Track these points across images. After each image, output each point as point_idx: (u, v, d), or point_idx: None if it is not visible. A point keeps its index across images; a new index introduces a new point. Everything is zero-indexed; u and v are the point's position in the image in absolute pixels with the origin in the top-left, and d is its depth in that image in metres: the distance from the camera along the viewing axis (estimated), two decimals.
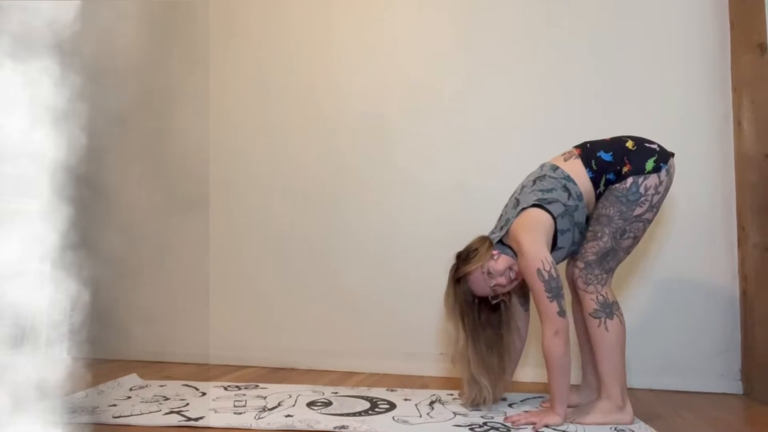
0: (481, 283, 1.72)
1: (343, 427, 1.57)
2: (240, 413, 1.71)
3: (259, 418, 1.65)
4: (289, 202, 2.65)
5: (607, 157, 1.69)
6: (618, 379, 1.66)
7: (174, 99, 2.79)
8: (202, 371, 2.42)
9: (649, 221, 1.69)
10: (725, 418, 1.81)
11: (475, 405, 1.80)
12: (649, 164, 1.64)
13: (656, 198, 1.66)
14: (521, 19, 2.45)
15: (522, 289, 1.86)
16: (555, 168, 1.74)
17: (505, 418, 1.67)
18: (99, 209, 2.58)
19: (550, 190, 1.69)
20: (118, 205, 2.72)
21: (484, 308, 1.77)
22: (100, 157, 2.67)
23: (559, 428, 1.60)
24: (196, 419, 1.64)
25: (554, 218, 1.66)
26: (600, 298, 1.68)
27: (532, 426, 1.60)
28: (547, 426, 1.60)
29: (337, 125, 2.61)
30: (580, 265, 1.71)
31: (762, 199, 2.05)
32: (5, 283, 0.97)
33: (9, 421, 0.95)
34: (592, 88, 2.36)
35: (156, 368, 2.45)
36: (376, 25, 2.61)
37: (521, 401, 1.93)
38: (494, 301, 1.76)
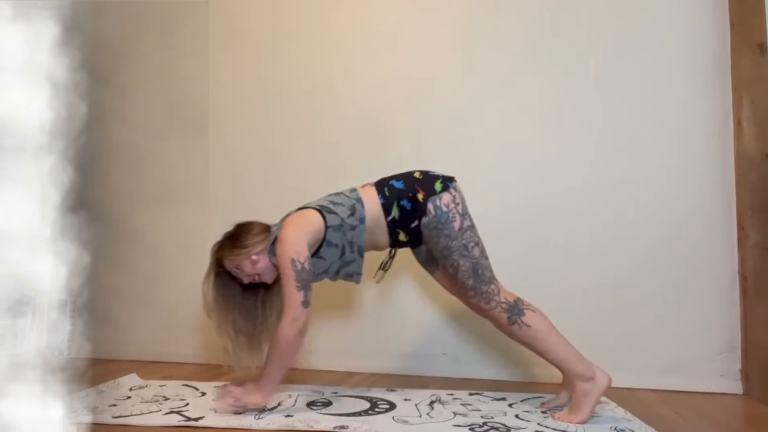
0: (230, 269, 1.82)
1: (343, 427, 1.57)
2: (240, 413, 1.71)
3: (259, 418, 1.65)
4: (288, 202, 2.63)
5: (398, 185, 1.81)
6: (570, 357, 1.69)
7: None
8: (202, 371, 2.42)
9: (472, 225, 1.79)
10: (725, 418, 1.81)
11: (229, 365, 1.86)
12: (438, 186, 1.78)
13: (460, 207, 1.77)
14: (521, 19, 2.45)
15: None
16: (353, 190, 1.87)
17: (214, 399, 1.74)
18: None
19: (336, 204, 1.79)
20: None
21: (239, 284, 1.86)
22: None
23: (559, 428, 1.60)
24: (196, 419, 1.64)
25: (326, 227, 1.74)
26: (504, 305, 1.74)
27: (233, 399, 1.66)
28: (246, 406, 1.67)
29: (337, 125, 2.61)
30: (470, 293, 1.78)
31: (762, 199, 2.05)
32: (6, 249, 0.97)
33: (8, 389, 0.95)
34: (592, 87, 2.36)
35: (156, 368, 2.45)
36: (376, 25, 2.61)
37: (521, 401, 1.93)
38: (246, 281, 1.83)
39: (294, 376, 2.34)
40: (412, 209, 1.77)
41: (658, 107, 2.31)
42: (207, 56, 2.77)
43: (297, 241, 1.68)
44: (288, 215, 1.81)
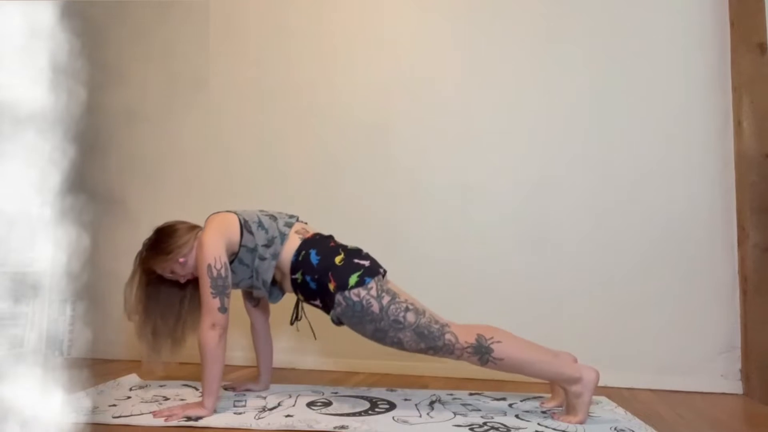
0: (159, 269, 1.82)
1: (343, 427, 1.57)
2: (240, 413, 1.70)
3: (259, 418, 1.65)
4: (288, 201, 2.64)
5: (315, 259, 1.73)
6: (551, 369, 1.64)
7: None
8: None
9: (394, 295, 1.67)
10: (725, 418, 1.81)
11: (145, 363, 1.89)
12: (353, 279, 1.66)
13: (373, 290, 1.66)
14: (521, 18, 2.45)
15: (249, 293, 1.97)
16: (288, 224, 1.83)
17: (153, 413, 1.67)
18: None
19: (261, 226, 1.78)
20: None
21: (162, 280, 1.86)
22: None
23: (559, 428, 1.60)
24: (196, 419, 1.64)
25: (241, 238, 1.74)
26: (469, 350, 1.63)
27: (168, 417, 1.61)
28: (189, 418, 1.61)
29: (337, 126, 2.61)
30: (430, 354, 1.68)
31: (762, 199, 2.05)
32: (7, 229, 0.97)
33: (9, 372, 0.95)
34: (592, 87, 2.37)
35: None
36: (376, 25, 2.61)
37: (521, 401, 1.93)
38: (170, 277, 1.84)
39: (294, 376, 2.34)
40: (317, 290, 1.72)
41: (658, 107, 2.31)
42: (207, 57, 2.77)
43: (215, 246, 1.68)
44: (212, 214, 1.82)
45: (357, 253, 1.77)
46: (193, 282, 1.88)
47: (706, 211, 2.23)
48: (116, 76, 2.82)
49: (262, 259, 1.76)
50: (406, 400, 1.92)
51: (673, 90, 2.30)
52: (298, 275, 1.75)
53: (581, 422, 1.63)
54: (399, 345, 1.69)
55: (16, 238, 0.99)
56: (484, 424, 1.64)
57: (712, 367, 2.18)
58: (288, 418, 1.66)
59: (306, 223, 1.92)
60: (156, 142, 2.80)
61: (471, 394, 2.02)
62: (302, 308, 1.99)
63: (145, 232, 1.87)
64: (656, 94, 2.31)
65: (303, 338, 2.57)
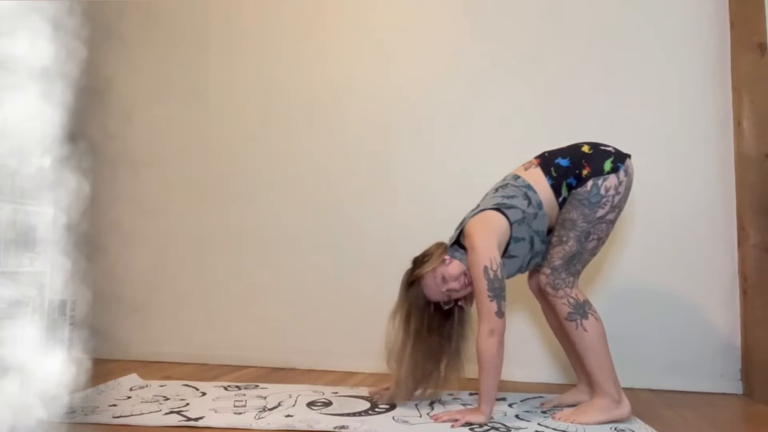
0: (433, 288, 1.73)
1: (343, 427, 1.57)
2: (240, 413, 1.71)
3: (259, 418, 1.65)
4: (289, 202, 2.65)
5: (564, 162, 1.72)
6: (609, 375, 1.67)
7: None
8: (202, 371, 2.41)
9: (612, 222, 1.71)
10: (725, 418, 1.81)
11: (390, 401, 1.83)
12: (607, 165, 1.68)
13: (617, 198, 1.68)
14: (522, 19, 2.45)
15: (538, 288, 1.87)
16: (516, 177, 1.78)
17: (432, 416, 1.68)
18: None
19: (510, 197, 1.71)
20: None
21: (436, 314, 1.78)
22: None
23: (559, 428, 1.60)
24: (196, 419, 1.64)
25: (510, 223, 1.67)
26: (571, 300, 1.69)
27: (453, 422, 1.60)
28: (470, 424, 1.60)
29: (338, 126, 2.61)
30: (547, 271, 1.72)
31: (762, 199, 2.05)
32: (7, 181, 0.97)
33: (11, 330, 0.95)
34: (592, 88, 2.36)
35: (156, 368, 2.45)
36: (376, 25, 2.61)
37: (521, 401, 1.93)
38: (446, 307, 1.77)
39: (294, 376, 2.34)
40: (575, 185, 1.69)
41: (658, 107, 2.31)
42: (207, 58, 2.77)
43: (488, 247, 1.62)
44: (465, 221, 1.74)
45: (597, 143, 1.76)
46: (450, 316, 1.80)
47: (706, 211, 2.23)
48: (116, 38, 2.80)
49: (535, 216, 1.70)
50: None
51: (673, 90, 2.30)
52: (563, 191, 1.71)
53: (583, 423, 1.63)
54: (558, 241, 1.70)
55: (18, 187, 0.99)
56: (485, 423, 1.64)
57: (712, 367, 2.18)
58: (288, 418, 1.66)
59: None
60: (158, 156, 2.79)
61: (471, 394, 2.02)
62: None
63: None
64: (656, 94, 2.31)
65: (303, 338, 2.57)
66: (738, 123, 2.17)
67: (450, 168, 2.48)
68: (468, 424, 1.60)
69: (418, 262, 1.78)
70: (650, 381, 2.19)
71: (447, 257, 1.73)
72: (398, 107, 2.55)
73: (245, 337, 2.63)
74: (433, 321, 1.78)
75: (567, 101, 2.38)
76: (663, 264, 2.25)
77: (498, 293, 1.60)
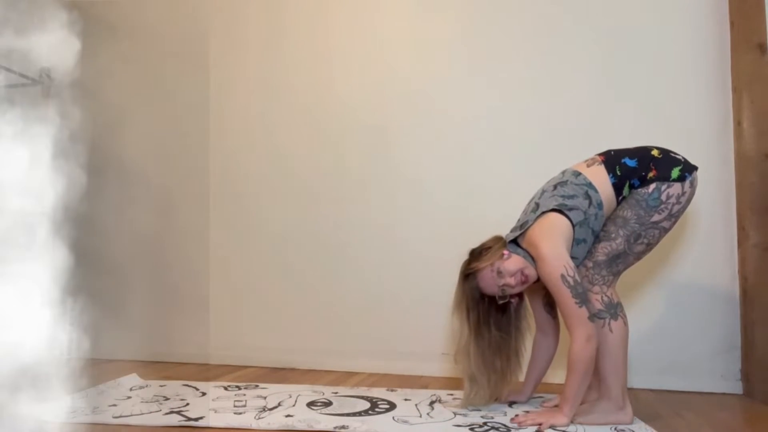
0: (489, 282, 1.70)
1: (343, 427, 1.57)
2: (240, 413, 1.71)
3: (259, 418, 1.65)
4: (289, 202, 2.65)
5: (632, 163, 1.67)
6: (619, 380, 1.66)
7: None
8: (202, 371, 2.42)
9: (666, 230, 1.68)
10: (725, 418, 1.81)
11: (471, 404, 1.80)
12: (675, 172, 1.63)
13: (676, 208, 1.64)
14: (522, 20, 2.45)
15: (547, 296, 1.83)
16: (577, 174, 1.71)
17: (512, 419, 1.67)
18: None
19: (571, 197, 1.66)
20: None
21: (492, 308, 1.75)
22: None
23: (559, 428, 1.60)
24: (196, 419, 1.64)
25: (573, 225, 1.63)
26: (605, 298, 1.66)
27: (538, 426, 1.59)
28: (553, 427, 1.59)
29: (338, 126, 2.61)
30: (588, 264, 1.68)
31: (762, 199, 2.05)
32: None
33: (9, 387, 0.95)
34: (592, 88, 2.36)
35: (156, 368, 2.45)
36: (376, 25, 2.61)
37: (523, 401, 1.93)
38: (501, 302, 1.73)
39: (294, 376, 2.34)
40: (638, 185, 1.66)
41: (657, 107, 2.30)
42: (207, 59, 2.77)
43: (560, 254, 1.58)
44: (527, 223, 1.69)
45: (666, 149, 1.72)
46: (509, 310, 1.78)
47: (706, 211, 2.23)
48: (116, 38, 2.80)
49: (595, 217, 1.66)
50: (406, 400, 1.93)
51: (673, 90, 2.30)
52: (624, 190, 1.67)
53: (583, 423, 1.63)
54: (605, 236, 1.67)
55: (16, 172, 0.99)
56: (484, 424, 1.64)
57: (712, 367, 2.18)
58: (288, 418, 1.67)
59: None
60: (160, 161, 2.79)
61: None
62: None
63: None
64: (656, 94, 2.31)
65: (303, 338, 2.57)
66: (738, 123, 2.17)
67: (450, 168, 2.48)
68: (552, 426, 1.59)
69: (476, 254, 1.75)
70: (650, 381, 2.19)
71: (506, 252, 1.70)
72: (398, 107, 2.55)
73: (245, 337, 2.63)
74: (490, 315, 1.75)
75: (567, 101, 2.38)
76: (663, 264, 2.25)
77: (584, 297, 1.57)
